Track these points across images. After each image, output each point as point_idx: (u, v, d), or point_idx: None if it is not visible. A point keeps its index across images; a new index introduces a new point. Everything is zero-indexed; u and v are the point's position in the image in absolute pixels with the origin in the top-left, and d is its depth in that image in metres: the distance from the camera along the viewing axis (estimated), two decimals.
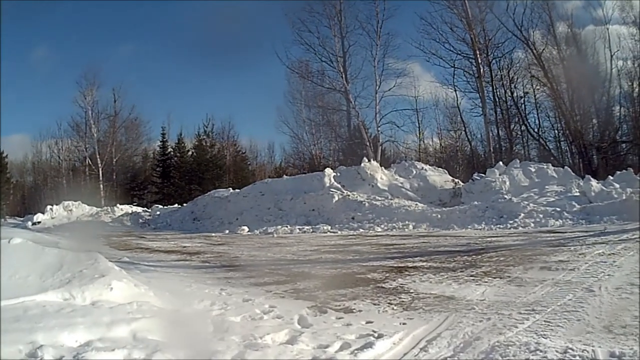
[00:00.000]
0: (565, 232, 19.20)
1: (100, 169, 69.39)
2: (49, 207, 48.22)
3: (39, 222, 44.46)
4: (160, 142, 76.90)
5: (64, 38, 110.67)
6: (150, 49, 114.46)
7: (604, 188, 26.02)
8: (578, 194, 26.35)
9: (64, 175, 78.54)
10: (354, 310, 8.11)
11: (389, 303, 8.53)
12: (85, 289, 7.19)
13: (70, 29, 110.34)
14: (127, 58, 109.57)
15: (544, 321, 6.78)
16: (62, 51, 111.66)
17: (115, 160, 71.98)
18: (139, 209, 51.30)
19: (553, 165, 32.17)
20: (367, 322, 7.29)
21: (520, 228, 22.47)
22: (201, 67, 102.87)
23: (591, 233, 17.86)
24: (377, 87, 49.28)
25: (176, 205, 50.77)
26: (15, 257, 7.77)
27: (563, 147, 49.03)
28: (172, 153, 75.59)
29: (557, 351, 5.48)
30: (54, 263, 7.78)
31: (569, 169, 31.98)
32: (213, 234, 29.29)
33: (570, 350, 5.47)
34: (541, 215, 23.81)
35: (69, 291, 7.06)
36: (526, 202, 25.76)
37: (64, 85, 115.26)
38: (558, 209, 24.13)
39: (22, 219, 49.77)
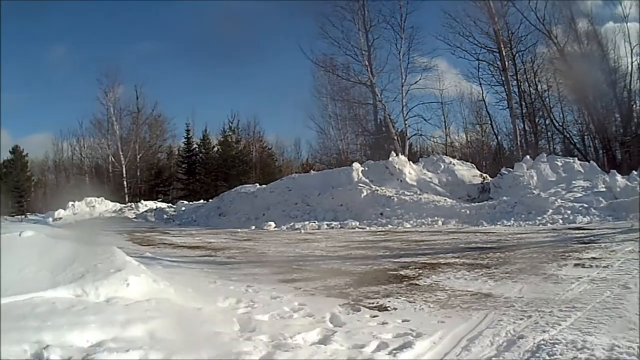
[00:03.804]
0: (594, 229, 19.18)
1: (123, 166, 69.67)
2: (70, 203, 47.72)
3: (60, 218, 44.03)
4: (185, 138, 76.80)
5: (83, 37, 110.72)
6: (171, 47, 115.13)
7: (628, 183, 25.94)
8: (604, 189, 26.20)
9: (87, 173, 78.93)
10: (389, 308, 7.97)
11: (424, 301, 8.39)
12: (99, 285, 6.99)
13: (89, 28, 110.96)
14: (148, 56, 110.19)
15: (586, 318, 6.68)
16: (80, 50, 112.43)
17: (139, 157, 72.26)
18: (164, 205, 51.40)
19: (578, 160, 32.02)
20: (403, 321, 7.14)
21: (548, 224, 22.41)
22: (224, 64, 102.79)
23: (619, 230, 17.94)
24: (403, 81, 49.39)
25: (202, 201, 50.72)
26: (26, 251, 7.67)
27: (587, 141, 48.83)
28: (197, 149, 75.65)
29: (603, 348, 5.41)
30: (67, 257, 7.60)
31: (594, 163, 31.81)
32: (239, 230, 29.23)
33: (616, 348, 5.39)
34: (569, 212, 23.75)
35: (81, 287, 6.87)
36: (554, 198, 25.67)
37: (84, 84, 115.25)
38: (585, 205, 24.08)
39: (43, 215, 48.87)
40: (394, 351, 5.75)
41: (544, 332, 6.17)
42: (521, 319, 6.83)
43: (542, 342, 5.76)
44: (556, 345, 5.58)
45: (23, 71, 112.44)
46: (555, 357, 5.26)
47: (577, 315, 6.86)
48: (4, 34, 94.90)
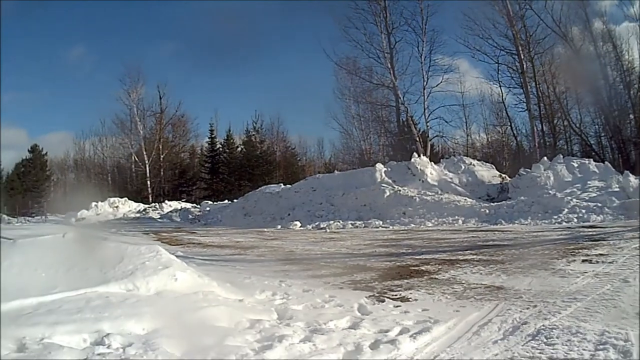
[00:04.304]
0: (606, 227, 19.73)
1: (147, 166, 69.73)
2: (93, 203, 47.91)
3: (83, 219, 44.00)
4: (209, 138, 77.32)
5: (104, 37, 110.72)
6: (194, 47, 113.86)
7: None
8: (618, 189, 26.54)
9: (109, 172, 79.29)
10: (410, 299, 8.71)
11: (442, 293, 9.13)
12: (149, 280, 7.67)
13: (110, 28, 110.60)
14: (171, 56, 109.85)
15: (585, 308, 7.39)
16: (101, 50, 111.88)
17: (162, 157, 72.33)
18: (188, 205, 51.32)
19: (594, 161, 32.23)
20: (423, 310, 7.88)
21: (564, 223, 22.88)
22: (247, 64, 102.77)
23: (629, 228, 18.37)
24: (425, 83, 49.58)
25: (226, 201, 50.84)
26: (71, 250, 8.23)
27: (603, 142, 48.70)
28: (220, 149, 75.77)
29: (595, 334, 6.08)
30: (114, 256, 8.23)
31: (609, 164, 32.20)
32: (265, 229, 29.60)
33: (606, 333, 6.07)
34: (583, 211, 24.21)
35: (132, 282, 7.53)
36: (569, 198, 26.13)
37: (105, 83, 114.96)
38: (599, 205, 24.51)
39: (63, 215, 48.07)
40: (414, 335, 6.47)
41: (545, 319, 6.89)
42: (527, 309, 7.54)
43: (542, 327, 6.48)
44: (554, 330, 6.29)
45: (42, 70, 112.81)
46: (551, 339, 5.97)
47: (577, 305, 7.55)
48: (23, 33, 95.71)
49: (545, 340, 6.02)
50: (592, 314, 7.08)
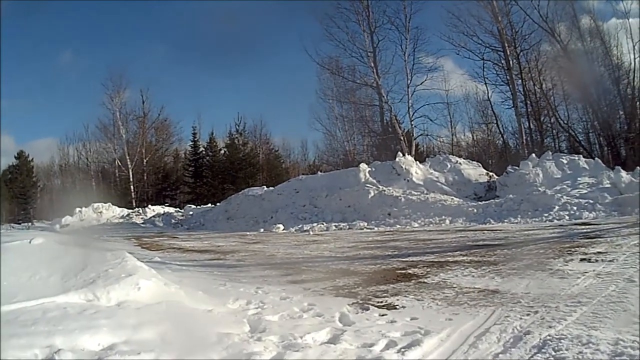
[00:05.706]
0: (600, 224, 19.38)
1: (130, 170, 69.89)
2: (77, 209, 47.96)
3: (67, 225, 43.94)
4: (192, 141, 77.27)
5: (87, 41, 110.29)
6: (176, 50, 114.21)
7: (633, 179, 26.16)
8: (609, 185, 26.38)
9: (93, 177, 78.84)
10: (397, 307, 8.05)
11: (432, 298, 8.48)
12: (110, 289, 7.07)
13: (92, 31, 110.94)
14: (154, 60, 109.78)
15: (592, 313, 6.77)
16: (85, 55, 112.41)
17: (145, 161, 72.43)
18: (171, 210, 51.39)
19: (583, 157, 32.16)
20: (411, 319, 7.22)
21: (555, 221, 22.57)
22: (230, 66, 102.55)
23: (624, 224, 18.08)
24: (409, 82, 49.81)
25: (209, 204, 50.77)
26: (36, 257, 7.75)
27: (592, 139, 48.58)
28: (204, 152, 75.89)
29: (609, 343, 5.46)
30: (78, 263, 7.67)
31: (599, 160, 32.03)
32: (248, 233, 29.28)
33: (621, 342, 5.44)
34: (575, 208, 23.89)
35: (92, 292, 6.94)
36: (560, 195, 25.82)
37: (89, 89, 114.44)
38: (591, 201, 24.26)
39: (50, 222, 48.68)
40: (403, 349, 5.82)
41: (550, 327, 6.24)
42: (528, 315, 6.92)
43: (549, 337, 5.84)
44: (562, 341, 5.65)
45: (27, 77, 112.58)
46: (561, 352, 5.32)
47: (583, 310, 6.94)
48: (7, 40, 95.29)
49: (553, 352, 5.38)
50: (601, 319, 6.46)
